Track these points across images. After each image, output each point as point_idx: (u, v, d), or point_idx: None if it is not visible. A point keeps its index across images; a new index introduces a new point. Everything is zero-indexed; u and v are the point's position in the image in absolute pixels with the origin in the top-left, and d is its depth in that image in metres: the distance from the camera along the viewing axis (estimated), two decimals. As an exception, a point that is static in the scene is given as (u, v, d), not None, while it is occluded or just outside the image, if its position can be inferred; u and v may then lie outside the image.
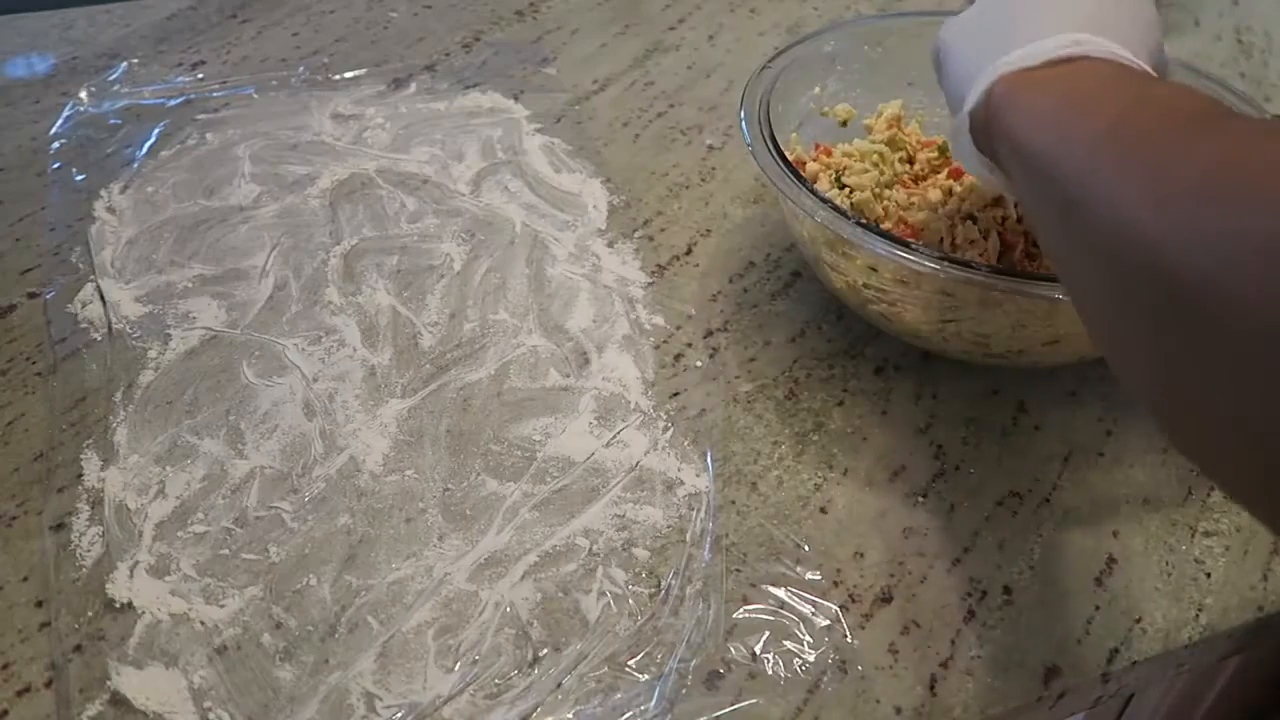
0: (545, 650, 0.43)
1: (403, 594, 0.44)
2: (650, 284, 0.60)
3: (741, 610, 0.44)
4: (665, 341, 0.57)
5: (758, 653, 0.43)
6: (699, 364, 0.56)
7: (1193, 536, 0.48)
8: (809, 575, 0.46)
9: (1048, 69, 0.38)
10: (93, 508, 0.47)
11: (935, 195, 0.56)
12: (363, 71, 0.78)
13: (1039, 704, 0.43)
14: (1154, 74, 0.39)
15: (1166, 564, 0.47)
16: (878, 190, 0.57)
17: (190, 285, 0.59)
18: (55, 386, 0.53)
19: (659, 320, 0.58)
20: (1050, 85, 0.37)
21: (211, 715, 0.40)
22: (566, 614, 0.44)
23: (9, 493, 0.49)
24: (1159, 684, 0.47)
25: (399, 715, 0.41)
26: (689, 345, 0.57)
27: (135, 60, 0.79)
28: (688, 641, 0.43)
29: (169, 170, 0.68)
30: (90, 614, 0.44)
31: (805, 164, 0.59)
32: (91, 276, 0.60)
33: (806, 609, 0.44)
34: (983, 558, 0.47)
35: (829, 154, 0.60)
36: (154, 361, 0.54)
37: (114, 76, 0.77)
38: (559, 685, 0.42)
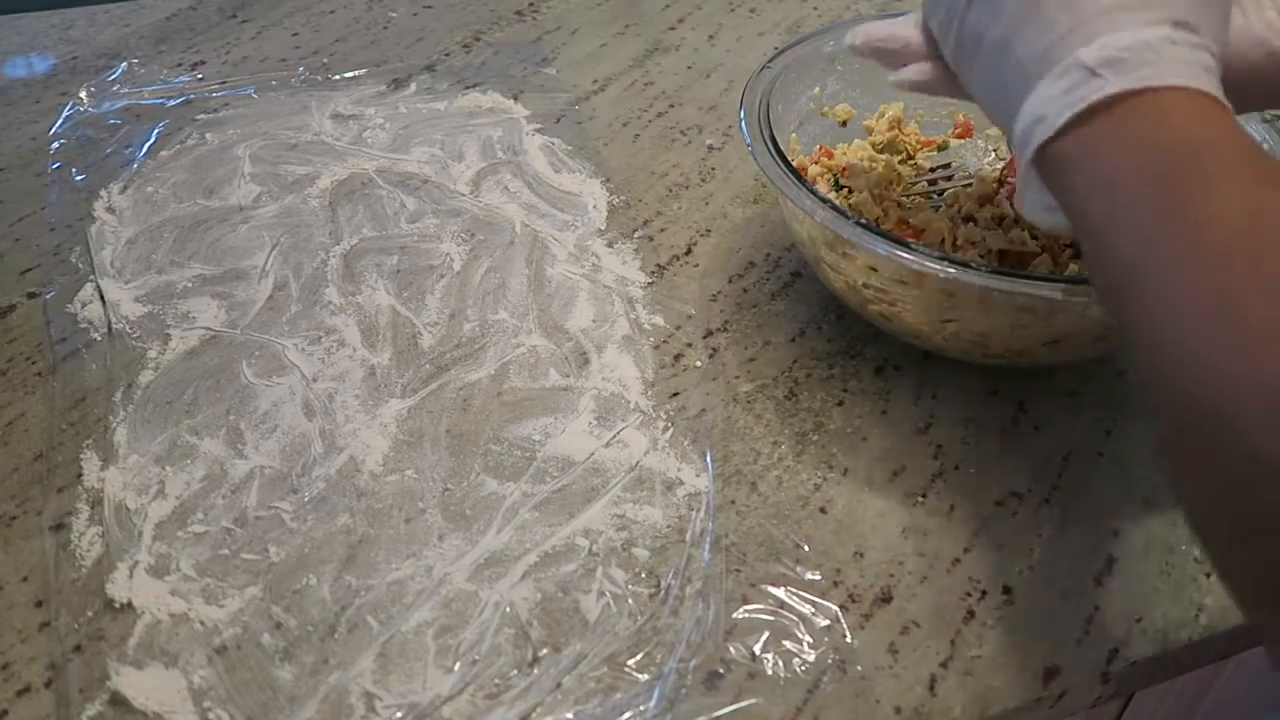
0: (545, 650, 0.43)
1: (402, 594, 0.44)
2: (650, 284, 0.60)
3: (741, 610, 0.44)
4: (665, 341, 0.57)
5: (757, 653, 0.43)
6: (699, 364, 0.56)
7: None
8: (809, 575, 0.46)
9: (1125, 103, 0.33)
10: (92, 508, 0.47)
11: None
12: (363, 71, 0.78)
13: (1039, 704, 0.43)
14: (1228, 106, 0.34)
15: (1166, 564, 0.47)
16: (876, 191, 0.57)
17: (190, 285, 0.59)
18: (55, 386, 0.53)
19: (659, 320, 0.58)
20: (1133, 147, 0.32)
21: (211, 715, 0.40)
22: (566, 614, 0.44)
23: (9, 493, 0.49)
24: (1159, 684, 0.47)
25: (399, 715, 0.40)
26: (689, 345, 0.57)
27: (135, 60, 0.79)
28: (687, 641, 0.43)
29: (169, 170, 0.68)
30: (90, 614, 0.44)
31: (806, 169, 0.59)
32: (91, 276, 0.60)
33: (806, 609, 0.44)
34: (983, 558, 0.47)
35: (830, 156, 0.60)
36: (154, 361, 0.54)
37: (114, 76, 0.77)
38: (559, 685, 0.41)
